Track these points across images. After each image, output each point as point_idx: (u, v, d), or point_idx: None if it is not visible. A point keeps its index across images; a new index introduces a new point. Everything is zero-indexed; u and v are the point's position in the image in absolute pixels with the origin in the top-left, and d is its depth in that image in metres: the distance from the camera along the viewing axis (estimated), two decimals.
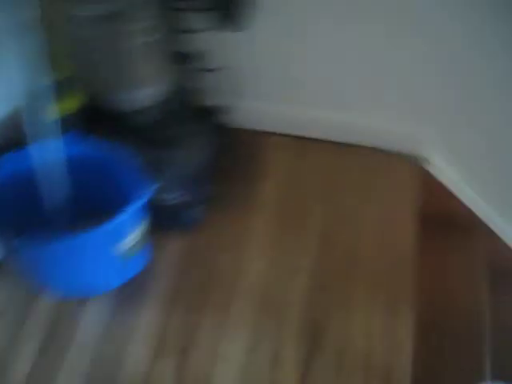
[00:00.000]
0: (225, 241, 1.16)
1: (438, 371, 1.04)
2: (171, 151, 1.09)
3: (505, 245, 1.23)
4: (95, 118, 1.04)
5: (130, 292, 1.07)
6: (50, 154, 0.94)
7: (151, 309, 1.06)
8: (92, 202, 1.01)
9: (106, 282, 1.06)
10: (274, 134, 1.33)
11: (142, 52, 0.95)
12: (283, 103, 1.28)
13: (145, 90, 1.00)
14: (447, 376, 1.04)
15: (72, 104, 1.03)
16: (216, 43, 1.10)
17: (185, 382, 0.97)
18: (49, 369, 0.99)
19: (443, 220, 1.25)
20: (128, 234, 0.95)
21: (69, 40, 0.96)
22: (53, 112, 0.92)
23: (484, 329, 1.17)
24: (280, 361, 0.99)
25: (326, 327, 1.04)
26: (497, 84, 1.05)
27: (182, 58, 1.06)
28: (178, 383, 0.97)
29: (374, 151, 1.29)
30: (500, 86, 1.05)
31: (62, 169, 0.95)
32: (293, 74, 1.21)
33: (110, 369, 0.99)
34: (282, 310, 1.06)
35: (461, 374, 1.06)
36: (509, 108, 1.06)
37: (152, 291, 1.08)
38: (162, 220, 1.08)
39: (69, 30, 0.93)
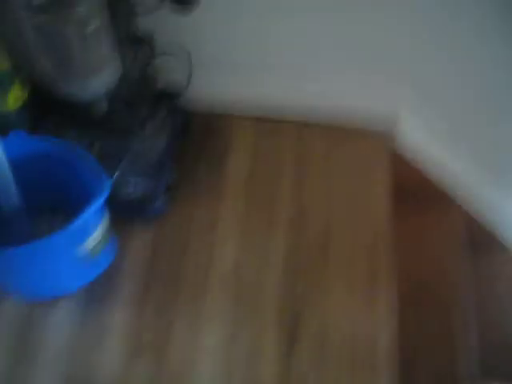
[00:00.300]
0: (192, 230, 1.13)
1: (422, 346, 1.05)
2: (128, 140, 1.04)
3: (481, 216, 1.24)
4: (43, 112, 0.98)
5: (100, 291, 1.04)
6: None
7: (123, 306, 1.03)
8: (49, 202, 0.97)
9: (73, 283, 1.02)
10: (236, 116, 1.28)
11: (88, 39, 0.89)
12: (244, 84, 1.23)
13: (94, 79, 0.94)
14: (431, 349, 1.06)
15: (15, 99, 0.96)
16: (168, 26, 1.04)
17: (163, 379, 0.95)
18: (22, 371, 0.96)
19: (417, 194, 1.25)
20: (90, 233, 0.91)
21: (8, 30, 0.89)
22: None
23: (465, 300, 1.19)
24: (261, 350, 0.98)
25: (304, 311, 1.02)
26: (471, 45, 1.03)
27: (133, 43, 1.00)
28: (156, 381, 0.95)
29: (345, 129, 1.26)
30: (473, 46, 1.02)
31: (7, 169, 0.89)
32: (252, 55, 1.17)
33: (85, 370, 0.96)
34: (258, 297, 1.04)
35: (444, 347, 1.08)
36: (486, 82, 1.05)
37: (122, 288, 1.05)
38: (125, 214, 1.04)
39: (7, 19, 0.87)
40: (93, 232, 0.91)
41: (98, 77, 0.95)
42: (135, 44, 1.01)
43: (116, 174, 0.99)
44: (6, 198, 0.92)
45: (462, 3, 0.97)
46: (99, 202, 0.86)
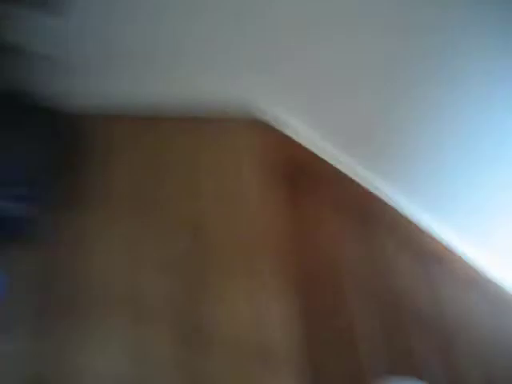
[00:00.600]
0: (80, 245, 1.05)
1: (318, 330, 1.05)
2: None
3: (359, 187, 1.29)
4: None
5: None
6: None
7: (16, 333, 0.95)
8: None
9: None
10: (114, 116, 1.21)
11: None
12: (119, 85, 1.19)
13: None
14: (331, 336, 1.06)
15: None
16: (38, 32, 0.98)
17: None
18: None
19: (295, 172, 1.27)
20: None
21: None
22: None
23: (352, 273, 1.22)
24: (165, 364, 0.95)
25: (199, 319, 1.00)
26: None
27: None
28: None
29: (212, 119, 1.23)
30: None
31: None
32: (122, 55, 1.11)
33: None
34: (154, 310, 1.00)
35: (345, 334, 1.09)
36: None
37: (14, 314, 0.96)
38: (5, 235, 0.96)
39: None
40: None
41: None
42: (3, 50, 0.93)
43: None
44: None
45: None
46: None
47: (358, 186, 1.40)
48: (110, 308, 0.99)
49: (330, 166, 1.33)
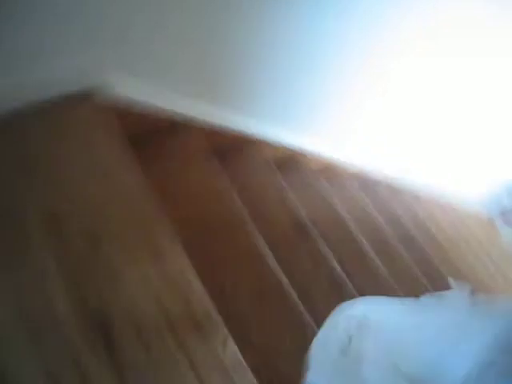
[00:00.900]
0: None
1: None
2: None
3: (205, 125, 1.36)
4: None
5: None
6: None
7: None
8: None
9: None
10: None
11: None
12: None
13: None
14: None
15: None
16: None
17: None
18: None
19: (148, 135, 1.26)
20: None
21: None
22: None
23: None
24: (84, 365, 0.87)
25: (108, 309, 0.94)
26: None
27: None
28: None
29: (53, 101, 1.11)
30: None
31: None
32: None
33: None
34: (56, 320, 0.90)
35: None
36: None
37: None
38: None
39: None
40: None
41: None
42: None
43: None
44: None
45: None
46: None
47: (204, 124, 1.43)
48: None
49: (170, 114, 1.32)
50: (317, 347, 1.00)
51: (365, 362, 0.86)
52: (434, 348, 0.78)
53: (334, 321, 1.00)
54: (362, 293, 1.45)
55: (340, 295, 1.42)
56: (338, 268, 1.54)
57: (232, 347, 0.99)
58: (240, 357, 0.99)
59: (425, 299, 1.01)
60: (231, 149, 1.59)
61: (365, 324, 0.92)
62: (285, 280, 1.30)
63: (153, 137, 1.33)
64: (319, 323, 1.05)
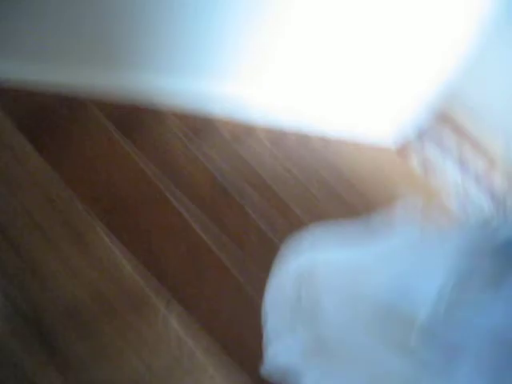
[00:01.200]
0: None
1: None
2: None
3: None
4: None
5: None
6: None
7: None
8: None
9: None
10: None
11: None
12: None
13: None
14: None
15: None
16: None
17: None
18: None
19: (39, 116, 1.18)
20: None
21: None
22: None
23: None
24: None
25: (37, 304, 0.88)
26: None
27: None
28: None
29: None
30: None
31: None
32: None
33: None
34: None
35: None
36: None
37: None
38: None
39: None
40: None
41: None
42: None
43: None
44: None
45: None
46: None
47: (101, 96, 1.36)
48: None
49: (57, 90, 1.24)
50: (269, 306, 0.98)
51: (322, 296, 0.85)
52: (395, 270, 0.77)
53: (280, 278, 0.99)
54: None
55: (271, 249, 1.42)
56: (264, 225, 1.54)
57: (173, 322, 0.95)
58: (183, 330, 0.95)
59: (370, 228, 1.00)
60: (135, 121, 1.50)
61: (313, 271, 0.91)
62: (215, 244, 1.27)
63: (44, 119, 1.21)
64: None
